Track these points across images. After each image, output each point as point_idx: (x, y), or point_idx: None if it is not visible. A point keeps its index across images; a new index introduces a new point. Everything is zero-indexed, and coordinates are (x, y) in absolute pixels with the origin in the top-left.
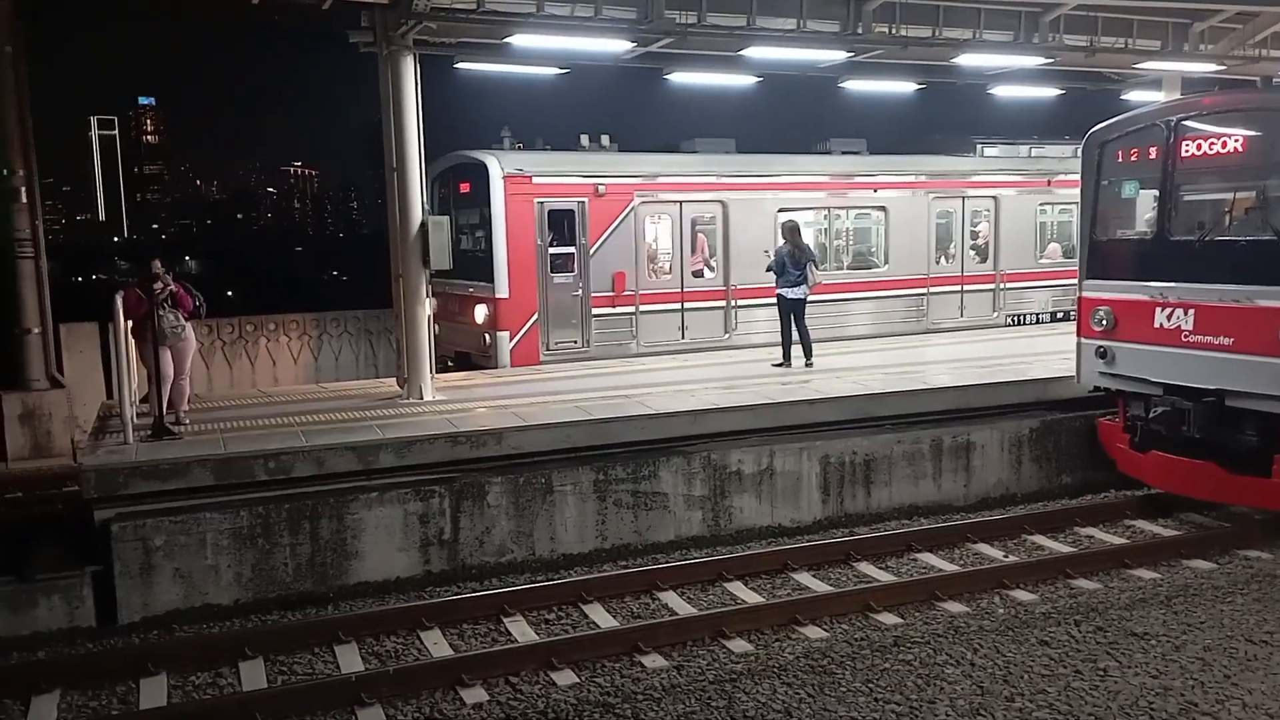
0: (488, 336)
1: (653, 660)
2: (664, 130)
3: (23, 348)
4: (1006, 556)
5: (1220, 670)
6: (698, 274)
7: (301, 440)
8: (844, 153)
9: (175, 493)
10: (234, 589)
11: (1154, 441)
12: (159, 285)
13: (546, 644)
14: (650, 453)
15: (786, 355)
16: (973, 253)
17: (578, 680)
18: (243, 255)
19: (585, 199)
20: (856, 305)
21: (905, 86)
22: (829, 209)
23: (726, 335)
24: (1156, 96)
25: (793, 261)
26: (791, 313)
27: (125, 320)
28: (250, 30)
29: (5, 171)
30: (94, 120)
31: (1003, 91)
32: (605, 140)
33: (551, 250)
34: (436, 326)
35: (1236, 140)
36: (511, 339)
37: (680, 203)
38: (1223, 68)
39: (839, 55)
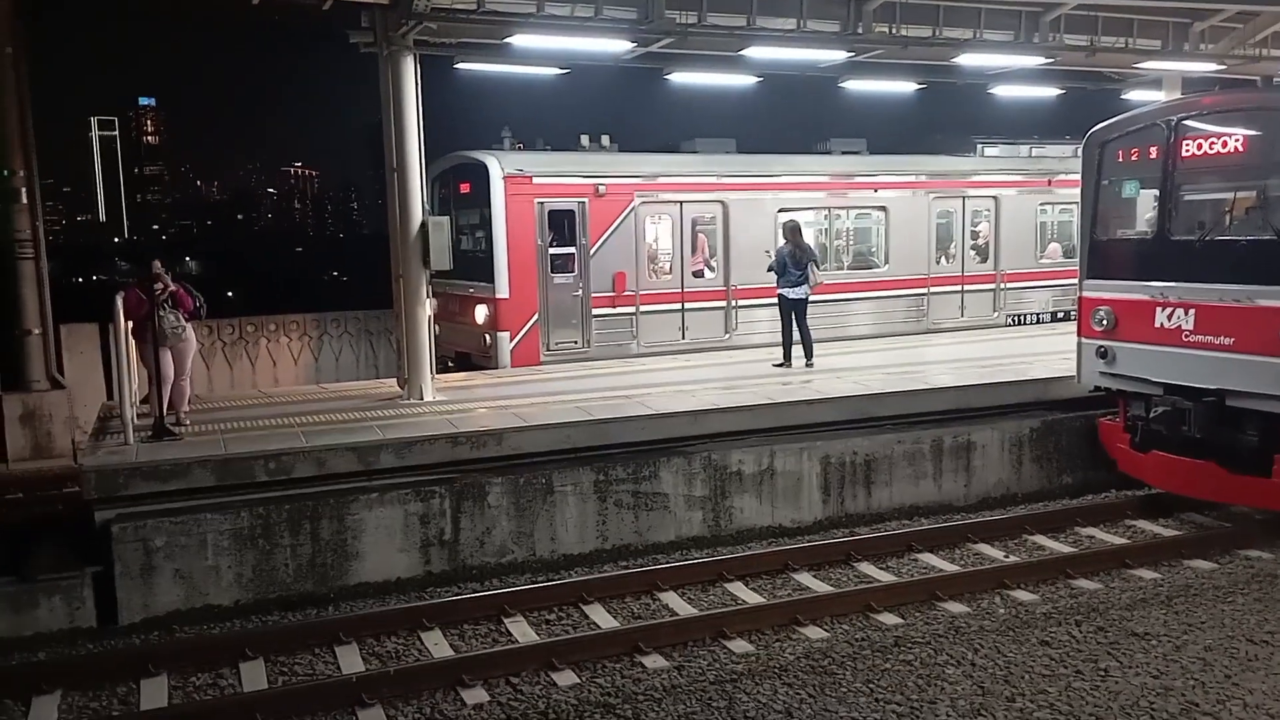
0: (488, 337)
1: (653, 661)
2: (664, 130)
3: (23, 348)
4: (1007, 557)
5: (1221, 670)
6: (698, 274)
7: (302, 441)
8: (844, 153)
9: (176, 493)
10: (234, 590)
11: (1154, 441)
12: (159, 286)
13: (547, 644)
14: (651, 453)
15: (787, 355)
16: (973, 253)
17: (578, 681)
18: (243, 256)
19: (585, 199)
20: (857, 305)
21: (905, 86)
22: (829, 209)
23: (727, 335)
24: (1157, 96)
25: (794, 261)
26: (793, 313)
27: (125, 321)
28: (250, 30)
29: (5, 172)
30: (94, 121)
31: (1003, 91)
32: (605, 140)
33: (552, 250)
34: (437, 327)
35: (1237, 140)
36: (512, 339)
37: (680, 203)
38: (1223, 67)
39: (839, 55)
